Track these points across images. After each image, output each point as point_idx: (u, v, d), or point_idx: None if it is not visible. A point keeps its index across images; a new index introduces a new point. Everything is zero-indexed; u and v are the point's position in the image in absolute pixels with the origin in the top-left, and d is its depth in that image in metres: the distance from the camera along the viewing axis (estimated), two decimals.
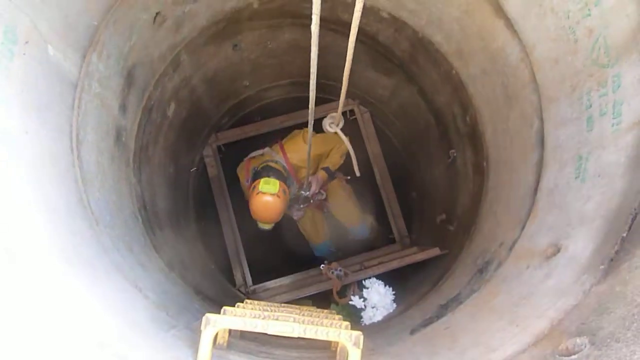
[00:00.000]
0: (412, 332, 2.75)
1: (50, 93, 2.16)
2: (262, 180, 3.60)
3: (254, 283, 5.34)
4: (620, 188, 1.95)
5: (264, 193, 3.54)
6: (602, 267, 1.77)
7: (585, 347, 1.49)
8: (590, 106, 2.27)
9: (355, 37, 2.15)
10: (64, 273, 1.83)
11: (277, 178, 3.66)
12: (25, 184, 1.85)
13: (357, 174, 3.89)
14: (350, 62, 2.44)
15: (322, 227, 4.99)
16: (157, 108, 3.63)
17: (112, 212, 2.63)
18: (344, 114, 5.51)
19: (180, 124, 4.28)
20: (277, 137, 4.52)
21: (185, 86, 4.07)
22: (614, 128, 2.09)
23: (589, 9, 2.17)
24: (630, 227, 1.77)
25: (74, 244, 2.07)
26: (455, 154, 4.13)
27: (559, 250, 2.14)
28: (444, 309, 2.80)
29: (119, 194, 2.85)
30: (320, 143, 4.24)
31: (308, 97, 3.18)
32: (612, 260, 1.75)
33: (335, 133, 3.71)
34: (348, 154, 3.91)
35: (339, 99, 2.92)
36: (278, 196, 3.56)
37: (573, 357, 1.49)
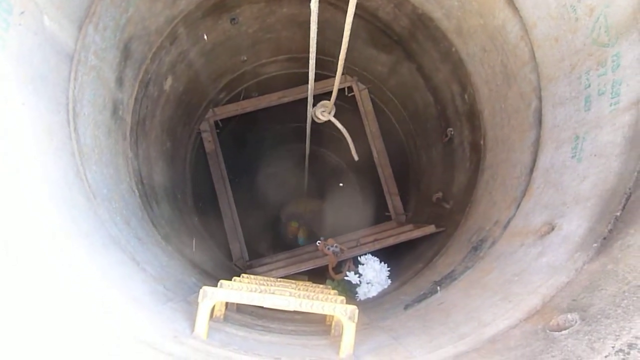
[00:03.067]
0: (406, 307, 2.79)
1: (46, 64, 2.13)
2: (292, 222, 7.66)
3: (251, 258, 5.39)
4: (616, 168, 1.96)
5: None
6: (595, 245, 1.79)
7: (575, 322, 1.52)
8: (589, 85, 2.26)
9: (352, 17, 2.13)
10: (63, 245, 1.85)
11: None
12: (25, 157, 1.85)
13: (355, 158, 4.47)
14: (347, 44, 2.42)
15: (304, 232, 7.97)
16: (154, 82, 3.60)
17: (109, 186, 2.63)
18: (341, 90, 5.49)
19: (177, 99, 4.25)
20: None
21: (183, 60, 4.03)
22: (612, 108, 2.09)
23: None
24: (624, 207, 1.79)
25: (72, 217, 2.08)
26: (452, 133, 4.13)
27: (553, 229, 2.16)
28: (438, 286, 2.84)
29: (116, 168, 2.85)
30: None
31: (305, 72, 3.17)
32: (605, 238, 1.77)
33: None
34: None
35: (334, 83, 2.92)
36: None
37: (564, 332, 1.52)
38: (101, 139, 2.68)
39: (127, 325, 1.73)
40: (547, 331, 1.59)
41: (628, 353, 1.27)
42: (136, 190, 3.10)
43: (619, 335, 1.32)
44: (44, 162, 1.99)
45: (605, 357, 1.30)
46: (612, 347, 1.31)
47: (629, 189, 1.81)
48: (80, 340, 1.49)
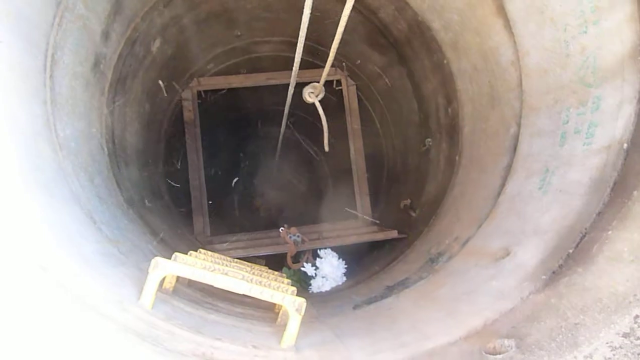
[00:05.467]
0: (355, 307, 2.82)
1: (30, 3, 2.06)
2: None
3: (213, 234, 5.35)
4: (577, 206, 2.01)
5: None
6: (543, 277, 1.84)
7: (511, 349, 1.57)
8: (567, 122, 2.31)
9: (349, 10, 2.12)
10: (20, 192, 1.80)
11: None
12: None
13: (326, 149, 4.42)
14: (342, 33, 2.42)
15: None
16: (142, 41, 3.51)
17: (77, 140, 2.57)
18: (330, 82, 5.47)
19: (163, 62, 4.16)
20: None
21: (175, 24, 3.94)
22: (584, 148, 2.14)
23: (586, 27, 2.19)
24: (577, 245, 1.84)
25: (34, 165, 2.02)
26: (431, 144, 4.17)
27: (508, 255, 2.21)
28: (389, 291, 2.88)
29: (88, 123, 2.77)
30: None
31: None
32: (554, 272, 1.83)
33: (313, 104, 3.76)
34: None
35: (324, 69, 2.91)
36: None
37: (498, 356, 1.56)
38: (77, 91, 2.61)
39: (68, 284, 1.70)
40: (483, 353, 1.63)
41: None
42: (105, 148, 3.03)
43: None
44: (11, 106, 1.92)
45: None
46: None
47: (585, 229, 1.86)
48: (15, 294, 1.46)
